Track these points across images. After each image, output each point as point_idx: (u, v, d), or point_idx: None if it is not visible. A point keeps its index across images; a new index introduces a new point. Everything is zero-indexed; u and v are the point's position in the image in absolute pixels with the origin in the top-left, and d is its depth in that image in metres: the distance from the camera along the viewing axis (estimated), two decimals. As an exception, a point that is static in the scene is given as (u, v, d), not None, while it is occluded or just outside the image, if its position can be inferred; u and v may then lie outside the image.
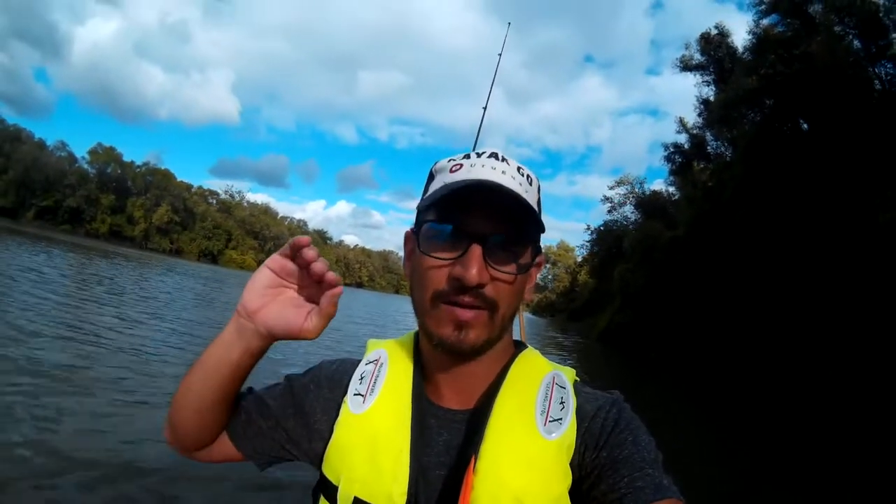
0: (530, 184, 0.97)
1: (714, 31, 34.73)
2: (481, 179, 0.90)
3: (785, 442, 11.82)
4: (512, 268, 0.91)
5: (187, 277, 40.51)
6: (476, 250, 0.87)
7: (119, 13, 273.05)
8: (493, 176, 0.91)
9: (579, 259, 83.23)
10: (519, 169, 0.96)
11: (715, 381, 21.52)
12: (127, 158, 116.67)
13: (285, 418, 1.07)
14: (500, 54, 2.22)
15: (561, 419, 0.93)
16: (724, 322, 24.59)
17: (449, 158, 0.99)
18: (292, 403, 1.08)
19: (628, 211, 51.53)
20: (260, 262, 0.94)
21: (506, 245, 0.91)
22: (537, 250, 0.97)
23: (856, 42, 22.27)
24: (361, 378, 1.04)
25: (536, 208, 0.96)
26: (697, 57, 36.20)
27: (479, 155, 0.96)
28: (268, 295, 0.94)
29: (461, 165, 0.95)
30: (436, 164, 1.02)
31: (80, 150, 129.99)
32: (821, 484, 8.55)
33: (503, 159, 0.96)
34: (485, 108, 1.81)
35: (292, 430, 1.07)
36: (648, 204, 46.23)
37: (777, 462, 9.61)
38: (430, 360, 1.02)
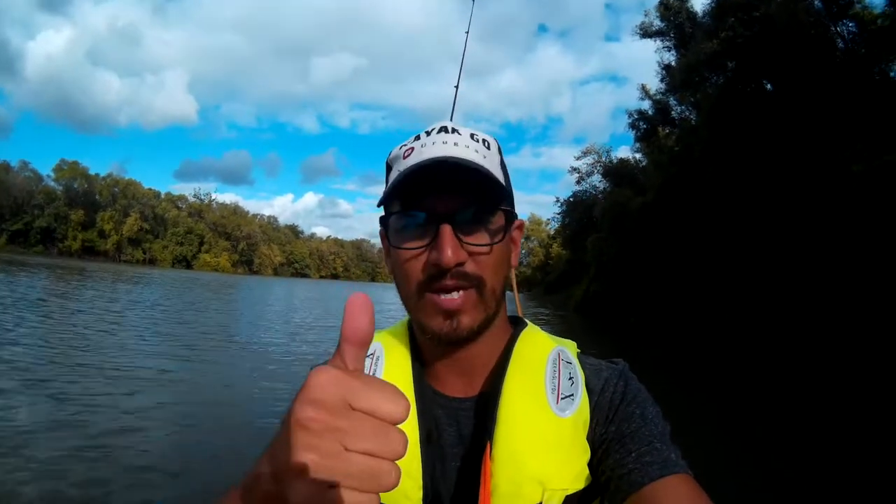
0: (488, 148, 0.95)
1: (673, -2, 34.95)
2: (433, 157, 0.88)
3: (767, 402, 12.02)
4: (486, 238, 0.90)
5: (146, 288, 40.16)
6: (446, 231, 0.86)
7: (69, 23, 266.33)
8: (445, 151, 0.89)
9: (552, 232, 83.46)
10: (472, 136, 0.95)
11: (694, 341, 21.83)
12: (92, 171, 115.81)
13: None
14: (468, 32, 2.19)
15: (572, 395, 0.93)
16: (699, 282, 24.88)
17: (401, 145, 0.97)
18: None
19: (596, 180, 51.47)
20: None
21: (474, 217, 0.89)
22: (510, 214, 0.95)
23: (817, 2, 22.39)
24: None
25: (499, 171, 0.96)
26: (657, 23, 36.45)
27: (428, 133, 0.94)
28: None
29: (412, 149, 0.93)
30: (390, 153, 1.00)
31: (44, 167, 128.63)
32: (800, 443, 8.68)
33: (453, 130, 0.94)
34: (456, 87, 1.78)
35: None
36: (616, 172, 46.27)
37: (759, 423, 9.77)
38: (427, 349, 1.00)
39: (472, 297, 0.89)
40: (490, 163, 0.93)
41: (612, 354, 1.01)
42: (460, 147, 0.91)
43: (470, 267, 0.88)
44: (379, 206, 0.94)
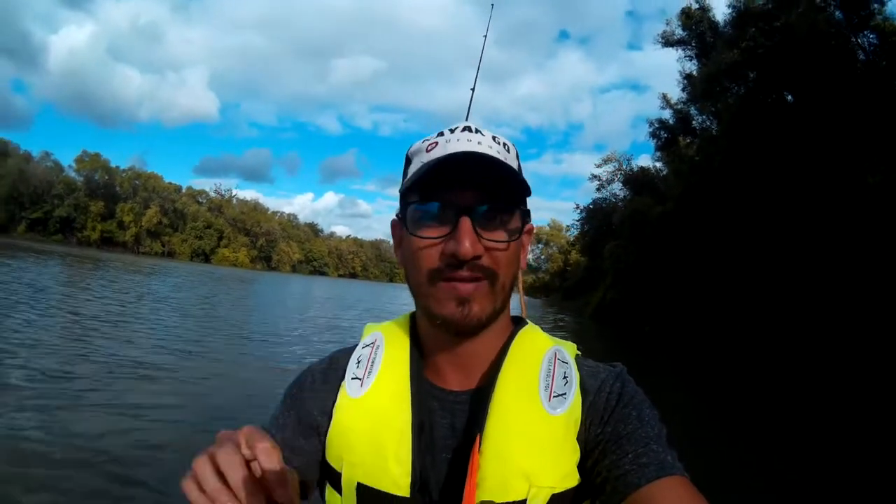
0: (508, 151, 0.98)
1: (695, 6, 34.59)
2: (458, 151, 0.90)
3: (779, 409, 11.92)
4: (503, 235, 0.92)
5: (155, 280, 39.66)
6: (466, 223, 0.88)
7: (91, 19, 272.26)
8: (469, 147, 0.92)
9: (571, 238, 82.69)
10: (494, 138, 0.97)
11: (709, 351, 21.65)
12: (112, 164, 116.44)
13: (308, 443, 1.02)
14: (486, 35, 2.18)
15: (565, 394, 0.94)
16: (716, 292, 24.66)
17: (424, 139, 0.99)
18: (299, 423, 1.03)
19: (617, 188, 50.40)
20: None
21: (494, 213, 0.91)
22: (525, 214, 0.97)
23: (837, 13, 22.07)
24: (358, 362, 1.04)
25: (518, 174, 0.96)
26: (679, 32, 35.89)
27: (452, 131, 0.97)
28: None
29: (436, 143, 0.95)
30: (411, 147, 1.02)
31: (65, 159, 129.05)
32: (805, 448, 8.65)
33: (477, 131, 0.97)
34: (473, 90, 1.80)
35: (316, 449, 1.02)
36: (636, 180, 45.53)
37: (769, 430, 9.69)
38: (429, 340, 1.03)
39: (484, 287, 0.91)
40: (510, 164, 0.94)
41: (626, 362, 1.04)
42: (483, 146, 0.93)
43: (485, 261, 0.90)
44: (403, 195, 0.97)
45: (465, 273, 0.89)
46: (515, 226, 0.95)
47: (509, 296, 0.99)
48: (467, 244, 0.86)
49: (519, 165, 1.02)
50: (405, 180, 0.98)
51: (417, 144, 1.00)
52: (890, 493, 6.56)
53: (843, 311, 18.08)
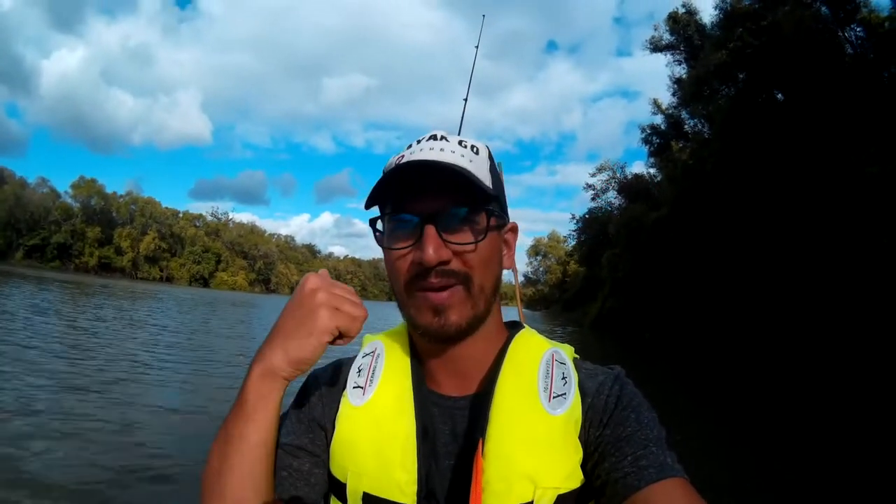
0: (476, 153, 0.98)
1: (682, 10, 34.88)
2: (415, 160, 0.91)
3: (779, 411, 11.94)
4: (469, 237, 0.92)
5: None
6: (429, 231, 0.89)
7: (82, 42, 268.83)
8: (430, 156, 0.93)
9: (569, 249, 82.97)
10: (461, 143, 0.98)
11: (709, 355, 21.68)
12: (107, 189, 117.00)
13: (317, 448, 1.01)
14: (477, 47, 2.20)
15: (564, 394, 0.93)
16: (714, 295, 24.69)
17: (397, 154, 1.00)
18: (307, 426, 1.03)
19: (612, 196, 51.02)
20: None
21: (458, 217, 0.92)
22: (495, 213, 0.96)
23: (823, 9, 22.41)
24: (359, 371, 1.03)
25: (487, 175, 0.97)
26: (667, 37, 36.38)
27: (418, 142, 0.99)
28: None
29: (403, 156, 0.96)
30: (387, 163, 1.01)
31: (60, 185, 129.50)
32: (810, 452, 8.63)
33: (442, 138, 0.98)
34: (465, 100, 1.80)
35: (323, 453, 1.01)
36: (631, 188, 45.93)
37: (771, 434, 9.70)
38: (423, 349, 1.02)
39: (459, 293, 0.92)
40: (476, 167, 0.95)
41: (627, 369, 1.03)
42: (446, 153, 0.94)
43: (455, 265, 0.91)
44: (367, 208, 0.98)
45: (435, 280, 0.91)
46: (483, 225, 0.94)
47: (492, 298, 0.99)
48: (430, 251, 0.88)
49: (492, 166, 1.02)
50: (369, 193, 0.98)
51: (391, 159, 1.00)
52: (890, 494, 6.59)
53: (842, 309, 18.02)
